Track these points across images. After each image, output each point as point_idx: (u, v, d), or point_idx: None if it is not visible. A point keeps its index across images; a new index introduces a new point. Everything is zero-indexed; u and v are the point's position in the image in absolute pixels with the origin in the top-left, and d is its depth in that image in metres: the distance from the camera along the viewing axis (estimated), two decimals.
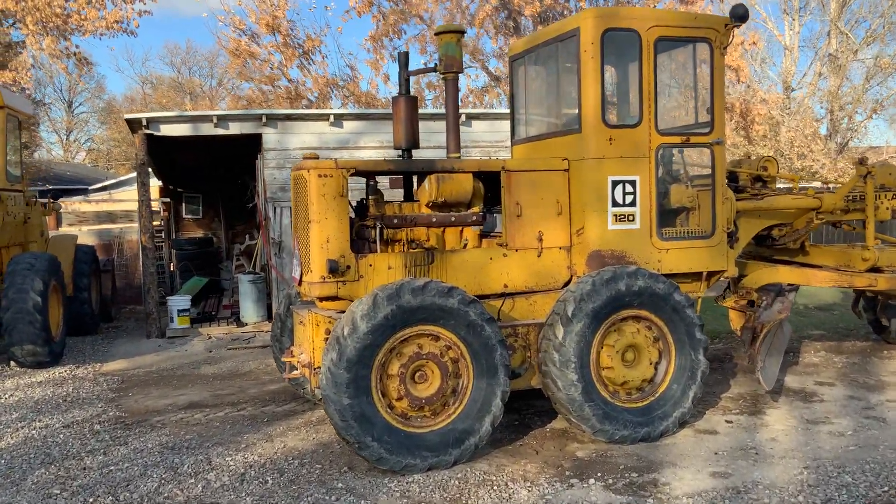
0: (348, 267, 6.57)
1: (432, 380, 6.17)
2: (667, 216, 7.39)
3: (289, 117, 12.95)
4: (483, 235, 7.35)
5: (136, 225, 16.43)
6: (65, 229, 16.58)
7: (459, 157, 7.39)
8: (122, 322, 14.84)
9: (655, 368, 6.85)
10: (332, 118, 12.99)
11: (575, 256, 7.17)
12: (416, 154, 7.51)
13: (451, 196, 6.97)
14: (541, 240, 7.09)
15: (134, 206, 21.13)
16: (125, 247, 16.38)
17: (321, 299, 6.68)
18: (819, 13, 32.17)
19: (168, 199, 17.05)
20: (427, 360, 6.14)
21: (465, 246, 7.17)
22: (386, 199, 7.19)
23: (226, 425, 7.67)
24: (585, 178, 7.01)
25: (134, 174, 16.03)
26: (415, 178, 7.43)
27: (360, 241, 6.93)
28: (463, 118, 13.45)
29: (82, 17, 24.97)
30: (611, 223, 7.03)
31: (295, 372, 6.86)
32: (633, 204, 7.07)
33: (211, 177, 16.80)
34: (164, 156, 14.63)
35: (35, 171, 34.47)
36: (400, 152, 7.37)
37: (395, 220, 6.97)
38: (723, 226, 7.41)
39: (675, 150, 7.46)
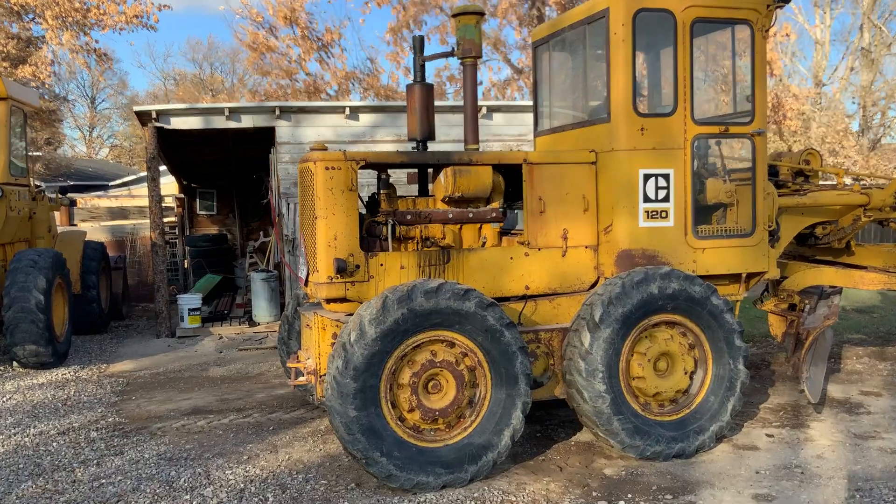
0: (357, 266, 6.09)
1: (447, 390, 5.67)
2: (703, 213, 6.84)
3: (303, 110, 12.49)
4: (503, 233, 6.84)
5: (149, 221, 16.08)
6: (85, 225, 16.29)
7: (478, 149, 6.88)
8: (133, 321, 14.47)
9: (691, 378, 6.30)
10: (347, 111, 12.52)
11: (602, 256, 6.63)
12: (432, 147, 7.01)
13: (469, 190, 6.46)
14: (565, 238, 6.57)
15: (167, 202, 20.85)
16: (138, 243, 16.01)
17: (328, 301, 6.20)
18: (851, 6, 31.26)
19: (182, 196, 16.65)
20: (441, 369, 5.63)
21: (484, 244, 6.66)
22: (399, 194, 6.70)
23: (229, 434, 7.21)
24: (614, 171, 6.47)
25: None
26: (430, 172, 6.93)
27: (370, 239, 6.44)
28: (484, 111, 12.93)
29: (101, 11, 24.79)
30: (642, 220, 6.48)
31: (301, 378, 6.38)
32: (666, 199, 6.52)
33: (225, 172, 16.41)
34: (176, 150, 14.23)
35: (56, 167, 34.40)
36: (414, 144, 6.87)
37: (409, 217, 6.47)
38: (764, 223, 6.83)
39: (712, 141, 6.90)
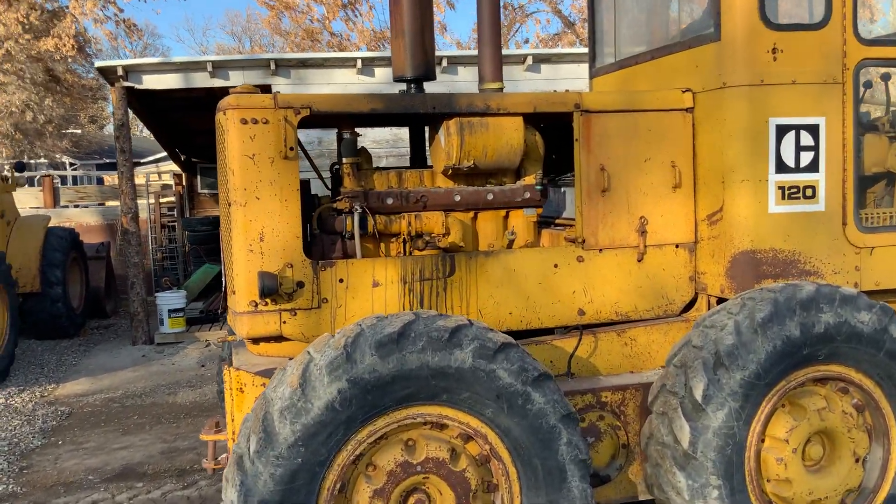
0: (300, 285, 3.68)
1: None
2: (865, 189, 4.25)
3: (304, 63, 10.08)
4: (543, 225, 4.38)
5: (147, 201, 13.94)
6: (72, 209, 14.27)
7: (501, 90, 4.35)
8: (118, 320, 12.32)
9: (864, 466, 3.73)
10: (359, 64, 10.08)
11: (704, 261, 4.10)
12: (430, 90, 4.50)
13: (487, 157, 3.98)
14: (644, 232, 4.06)
15: (164, 179, 18.75)
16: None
17: (252, 340, 3.81)
18: None
19: (181, 172, 14.43)
20: (427, 475, 3.18)
21: (512, 243, 4.16)
22: (376, 165, 4.26)
23: None
24: (727, 121, 3.92)
25: None
26: (427, 131, 4.45)
27: (325, 239, 4.02)
28: (529, 61, 10.34)
29: None
30: (774, 202, 3.92)
31: (221, 460, 3.99)
32: (812, 168, 3.94)
33: None
34: (162, 118, 11.96)
35: (87, 144, 32.81)
36: (403, 86, 4.38)
37: (389, 200, 4.02)
38: None
39: (883, 72, 4.28)
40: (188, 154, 14.17)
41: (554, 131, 4.34)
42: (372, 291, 3.81)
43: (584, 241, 4.03)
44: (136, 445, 6.52)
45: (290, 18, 19.01)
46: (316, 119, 3.86)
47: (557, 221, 4.47)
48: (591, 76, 5.23)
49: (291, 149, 3.69)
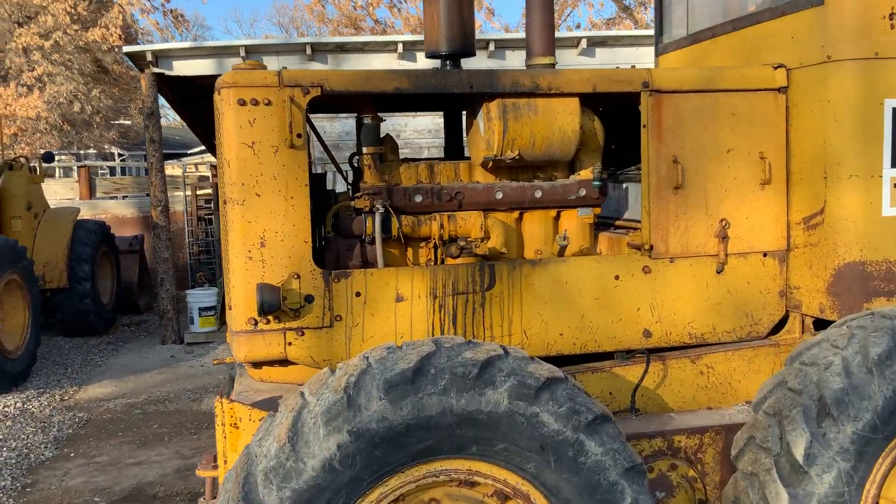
0: (309, 299, 3.07)
1: None
2: None
3: (342, 48, 9.49)
4: (601, 226, 3.70)
5: (184, 193, 13.53)
6: (109, 200, 13.90)
7: (553, 65, 3.66)
8: (151, 315, 11.91)
9: None
10: (400, 48, 9.45)
11: (799, 272, 3.38)
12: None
13: (536, 146, 3.31)
14: (724, 237, 3.35)
15: (202, 170, 18.39)
16: (171, 219, 13.46)
17: (252, 365, 3.21)
18: None
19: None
20: None
21: (564, 249, 3.47)
22: (403, 156, 3.62)
23: None
24: (832, 103, 3.19)
25: None
26: (464, 118, 3.78)
27: (341, 244, 3.39)
28: (583, 44, 9.60)
29: None
30: (889, 203, 3.19)
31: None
32: None
33: None
34: (194, 107, 11.48)
35: (135, 136, 32.77)
36: (436, 63, 3.73)
37: (418, 197, 3.37)
38: None
39: None
40: None
41: (616, 115, 3.65)
42: (395, 307, 3.18)
43: (651, 247, 3.34)
44: (152, 461, 6.02)
45: (334, 5, 18.46)
46: (330, 100, 3.23)
47: (618, 224, 3.79)
48: (658, 53, 4.51)
49: (299, 136, 3.07)
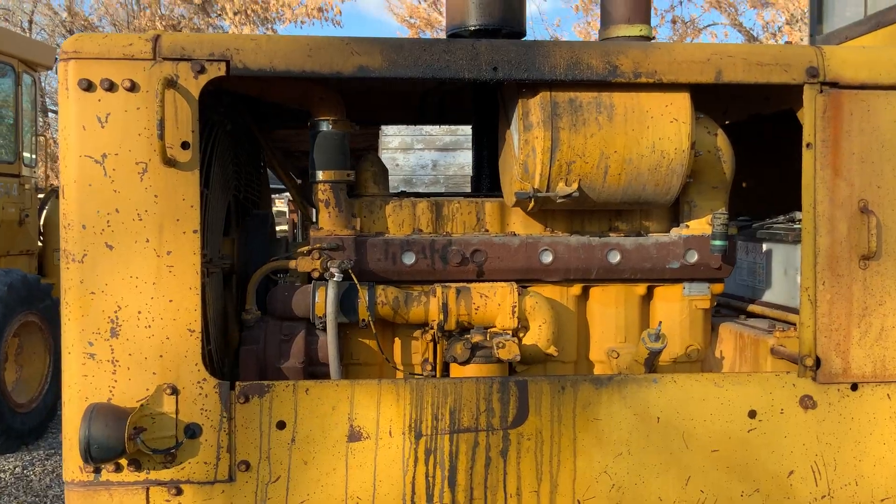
0: (191, 432, 1.70)
1: None
2: None
3: None
4: (721, 315, 2.22)
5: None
6: None
7: (650, 38, 2.18)
8: None
9: None
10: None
11: None
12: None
13: (610, 174, 1.87)
14: None
15: (278, 205, 17.53)
16: None
17: None
18: None
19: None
20: None
21: (656, 355, 1.97)
22: (394, 187, 2.25)
23: None
24: None
25: None
26: (500, 129, 2.36)
27: (271, 333, 2.01)
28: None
29: (281, 3, 23.74)
30: None
31: None
32: None
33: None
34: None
35: None
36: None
37: (410, 256, 1.97)
38: None
39: None
40: (298, 176, 12.71)
41: (752, 129, 2.19)
42: (348, 451, 1.78)
43: (818, 362, 1.84)
44: None
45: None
46: (249, 87, 1.91)
47: (752, 309, 2.29)
48: (815, 45, 3.01)
49: (186, 145, 1.74)
